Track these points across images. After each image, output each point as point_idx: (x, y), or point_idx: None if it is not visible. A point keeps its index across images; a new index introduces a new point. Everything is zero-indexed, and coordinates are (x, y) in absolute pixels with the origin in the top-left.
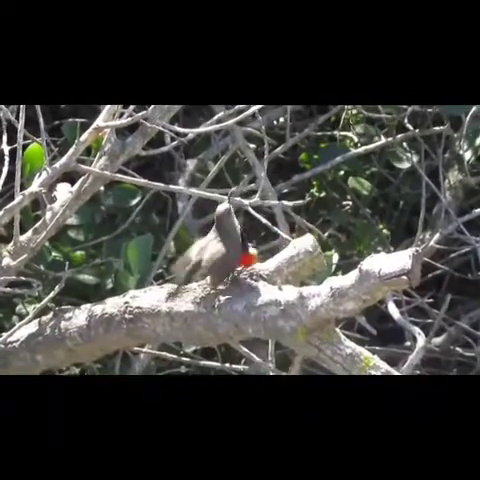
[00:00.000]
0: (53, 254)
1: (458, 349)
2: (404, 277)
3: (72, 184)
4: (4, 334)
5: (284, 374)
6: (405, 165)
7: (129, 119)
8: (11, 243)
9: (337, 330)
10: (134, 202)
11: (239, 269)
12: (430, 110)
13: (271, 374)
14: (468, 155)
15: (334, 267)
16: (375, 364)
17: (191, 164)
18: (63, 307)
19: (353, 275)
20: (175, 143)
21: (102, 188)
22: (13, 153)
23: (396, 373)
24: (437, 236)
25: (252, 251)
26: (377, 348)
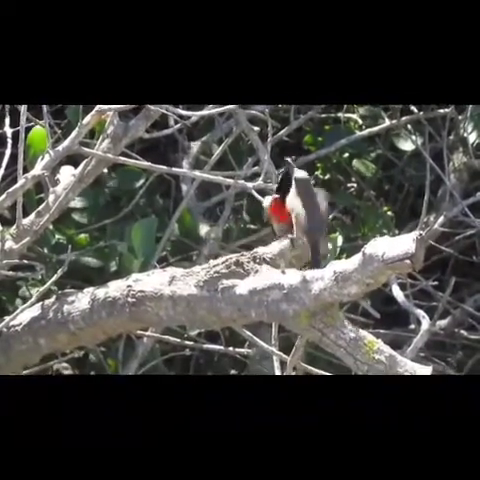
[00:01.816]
0: (57, 237)
1: (463, 332)
2: (407, 261)
3: (76, 167)
4: (6, 318)
5: (287, 358)
6: (410, 147)
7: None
8: (14, 226)
9: (340, 314)
10: (138, 184)
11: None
12: None
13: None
14: (473, 137)
15: (338, 250)
16: (379, 348)
17: (195, 146)
18: (66, 291)
19: (356, 259)
20: (178, 126)
21: (106, 171)
22: (16, 136)
23: (400, 357)
24: (441, 219)
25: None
26: (381, 331)
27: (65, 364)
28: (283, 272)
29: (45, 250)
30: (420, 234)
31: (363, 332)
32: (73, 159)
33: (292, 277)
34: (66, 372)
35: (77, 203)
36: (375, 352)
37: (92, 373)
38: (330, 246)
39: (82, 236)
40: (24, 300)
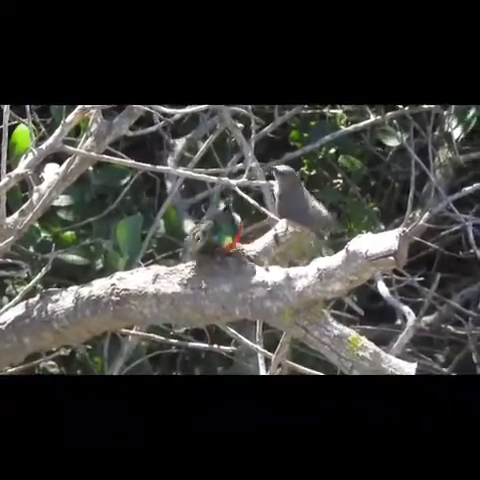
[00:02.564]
0: (42, 235)
1: (449, 327)
2: (391, 257)
3: (61, 165)
4: None
5: (272, 355)
6: (395, 143)
7: None
8: None
9: (324, 311)
10: (123, 182)
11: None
12: None
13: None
14: (457, 133)
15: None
16: (363, 345)
17: (180, 143)
18: (50, 289)
19: (340, 256)
20: (162, 123)
21: (91, 168)
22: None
23: (384, 354)
24: (427, 215)
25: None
26: (368, 327)
27: (51, 362)
28: (267, 270)
29: (31, 248)
30: (403, 231)
31: (347, 329)
32: (59, 157)
33: (276, 274)
34: (52, 370)
35: (63, 201)
36: (359, 349)
37: (79, 371)
38: (312, 244)
39: (68, 234)
40: (10, 298)
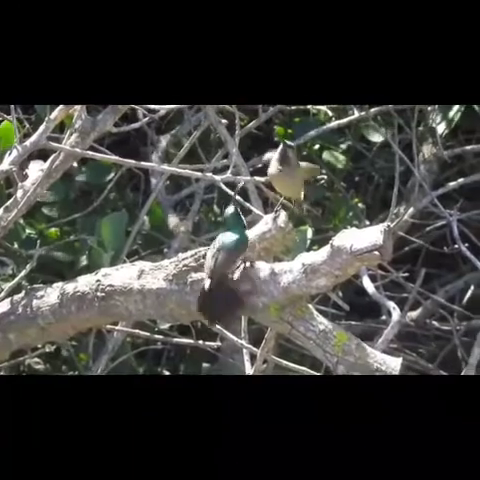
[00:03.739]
0: (27, 231)
1: (434, 323)
2: (376, 252)
3: (45, 162)
4: None
5: (257, 351)
6: (379, 139)
7: None
8: None
9: (310, 306)
10: (108, 178)
11: None
12: None
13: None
14: (441, 128)
15: (309, 242)
16: (348, 340)
17: (164, 140)
18: (35, 285)
19: (325, 251)
20: (146, 119)
21: (76, 165)
22: None
23: (369, 349)
24: (411, 210)
25: None
26: (353, 323)
27: (37, 359)
28: (252, 265)
29: (15, 245)
30: (388, 226)
31: (332, 324)
32: (43, 153)
33: (261, 270)
34: (38, 367)
35: (48, 197)
36: (344, 344)
37: (64, 368)
38: (297, 239)
39: (52, 230)
40: None
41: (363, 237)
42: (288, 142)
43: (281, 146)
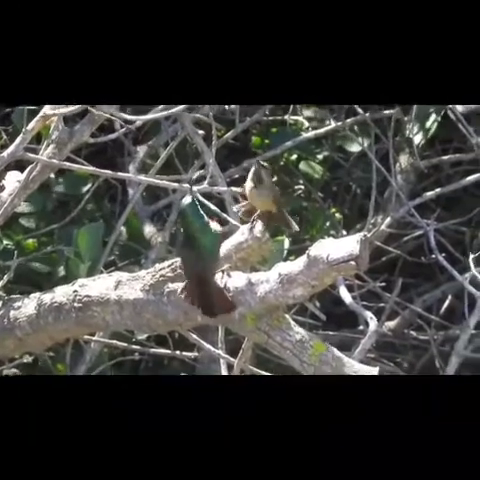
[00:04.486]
0: (4, 242)
1: (412, 332)
2: (352, 262)
3: (22, 173)
4: None
5: (234, 361)
6: (356, 149)
7: (77, 106)
8: None
9: (287, 316)
10: (85, 189)
11: None
12: None
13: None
14: (418, 138)
15: (286, 252)
16: (325, 350)
17: (141, 150)
18: (12, 296)
19: (301, 261)
20: (123, 130)
21: (53, 176)
22: None
23: (346, 358)
24: (388, 220)
25: None
26: (330, 333)
27: (14, 370)
28: (228, 275)
29: None
30: (364, 235)
31: (309, 334)
32: (20, 164)
33: (237, 280)
34: None
35: (25, 208)
36: (321, 354)
37: None
38: (274, 249)
39: (30, 241)
40: None
41: (339, 247)
42: (261, 162)
43: (255, 166)
